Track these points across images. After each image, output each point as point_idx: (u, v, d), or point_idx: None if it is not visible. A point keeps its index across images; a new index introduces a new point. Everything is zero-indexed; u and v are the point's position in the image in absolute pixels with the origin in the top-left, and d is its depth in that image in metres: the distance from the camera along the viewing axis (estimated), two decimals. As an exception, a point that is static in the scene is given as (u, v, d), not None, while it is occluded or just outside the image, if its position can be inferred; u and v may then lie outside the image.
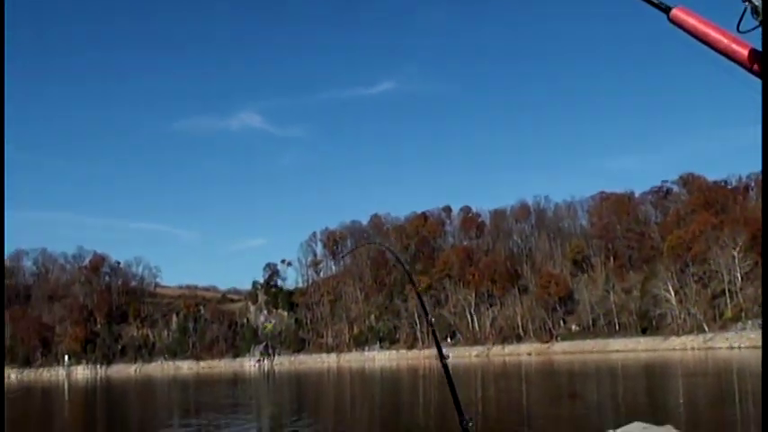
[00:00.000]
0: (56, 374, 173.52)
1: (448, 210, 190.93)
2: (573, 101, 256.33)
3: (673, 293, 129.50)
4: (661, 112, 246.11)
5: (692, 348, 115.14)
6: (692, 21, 3.25)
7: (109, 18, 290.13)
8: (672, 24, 3.32)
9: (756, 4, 2.89)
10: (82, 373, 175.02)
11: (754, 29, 2.97)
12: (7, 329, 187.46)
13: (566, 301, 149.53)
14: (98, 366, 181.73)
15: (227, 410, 39.30)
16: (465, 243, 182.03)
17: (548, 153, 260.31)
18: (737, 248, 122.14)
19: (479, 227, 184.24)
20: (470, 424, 3.52)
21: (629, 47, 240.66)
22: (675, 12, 3.31)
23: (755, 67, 3.00)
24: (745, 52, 3.06)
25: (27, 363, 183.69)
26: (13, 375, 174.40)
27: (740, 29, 3.04)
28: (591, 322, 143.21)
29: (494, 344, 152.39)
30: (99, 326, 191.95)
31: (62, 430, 35.42)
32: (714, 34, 3.16)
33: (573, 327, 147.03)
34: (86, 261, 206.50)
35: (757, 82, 2.99)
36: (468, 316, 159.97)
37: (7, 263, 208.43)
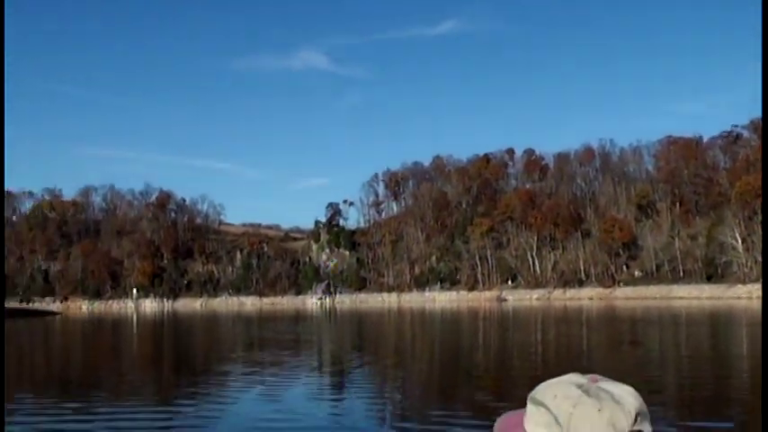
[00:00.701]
0: (125, 307, 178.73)
1: (511, 152, 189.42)
2: (641, 42, 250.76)
3: (740, 241, 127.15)
4: (732, 53, 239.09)
5: (758, 297, 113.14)
6: None
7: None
8: None
9: None
10: (149, 306, 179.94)
11: None
12: (78, 263, 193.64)
13: (629, 247, 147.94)
14: (165, 300, 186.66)
15: (290, 346, 40.05)
16: (528, 186, 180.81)
17: (614, 96, 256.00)
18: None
19: (543, 170, 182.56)
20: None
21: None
22: None
23: None
24: None
25: (97, 295, 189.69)
26: (84, 307, 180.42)
27: None
28: (655, 268, 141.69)
29: (555, 287, 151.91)
30: (166, 261, 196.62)
31: (131, 359, 36.63)
32: None
33: (636, 272, 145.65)
34: (153, 198, 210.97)
35: None
36: (530, 259, 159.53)
37: (77, 198, 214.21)
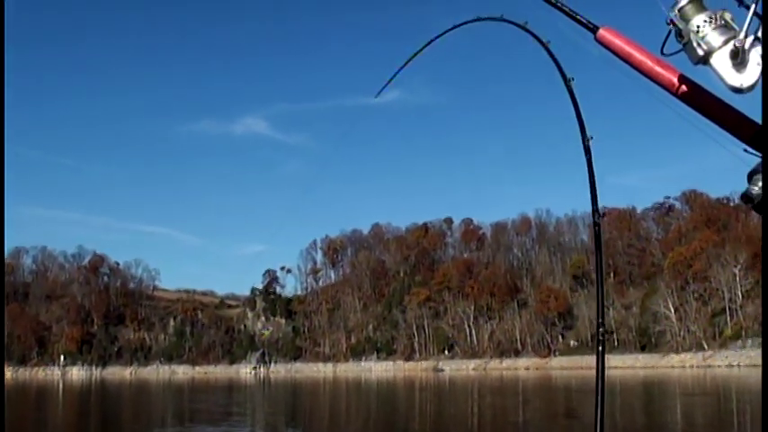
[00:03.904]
0: (51, 374, 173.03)
1: (449, 221, 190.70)
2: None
3: (673, 310, 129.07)
4: (663, 127, 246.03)
5: (691, 366, 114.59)
6: (617, 41, 3.30)
7: (116, 21, 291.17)
8: (598, 44, 3.35)
9: (680, 27, 2.91)
10: (77, 373, 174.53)
11: (677, 52, 3.01)
12: (4, 327, 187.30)
13: (565, 317, 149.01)
14: (93, 368, 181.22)
15: (222, 419, 38.87)
16: (465, 255, 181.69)
17: (550, 167, 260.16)
18: (738, 266, 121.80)
19: (480, 239, 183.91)
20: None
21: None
22: (602, 32, 3.37)
23: (679, 90, 3.10)
24: (667, 74, 3.13)
25: (23, 361, 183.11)
26: (8, 374, 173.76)
27: (664, 52, 3.10)
28: (590, 338, 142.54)
29: (491, 357, 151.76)
30: (96, 327, 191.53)
31: (57, 430, 35.02)
32: (638, 56, 3.22)
33: (572, 342, 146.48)
34: (86, 261, 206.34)
35: (679, 105, 3.11)
36: (467, 328, 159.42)
37: (7, 259, 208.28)
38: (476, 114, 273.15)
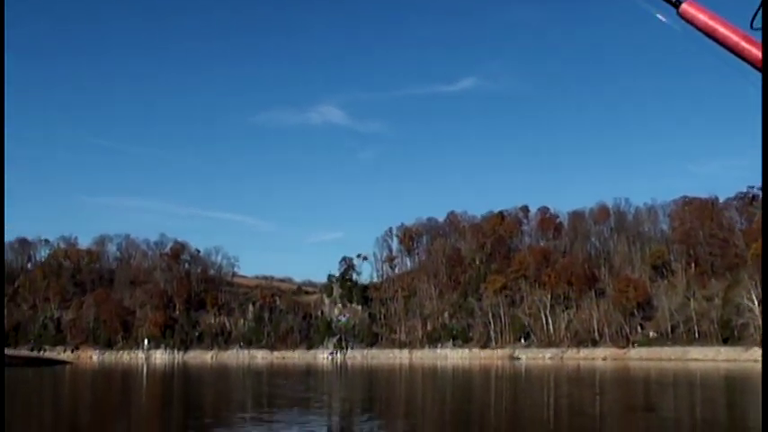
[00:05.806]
0: (135, 357, 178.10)
1: (525, 209, 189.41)
2: (657, 103, 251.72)
3: (756, 303, 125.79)
4: (747, 113, 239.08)
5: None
6: (701, 16, 3.14)
7: (201, 21, 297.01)
8: (681, 19, 3.21)
9: None
10: (160, 357, 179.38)
11: None
12: (91, 312, 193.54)
13: (644, 307, 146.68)
14: (176, 351, 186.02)
15: (299, 404, 39.70)
16: (542, 244, 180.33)
17: (629, 155, 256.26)
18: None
19: (557, 228, 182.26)
20: None
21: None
22: (685, 6, 3.21)
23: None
24: (753, 50, 2.98)
25: (109, 345, 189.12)
26: (94, 357, 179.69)
27: (753, 26, 2.96)
28: (670, 329, 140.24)
29: (568, 347, 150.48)
30: (178, 312, 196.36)
31: (140, 411, 36.35)
32: (723, 30, 3.05)
33: (651, 333, 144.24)
34: (167, 248, 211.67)
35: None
36: (543, 317, 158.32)
37: (92, 247, 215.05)
38: (553, 101, 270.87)
